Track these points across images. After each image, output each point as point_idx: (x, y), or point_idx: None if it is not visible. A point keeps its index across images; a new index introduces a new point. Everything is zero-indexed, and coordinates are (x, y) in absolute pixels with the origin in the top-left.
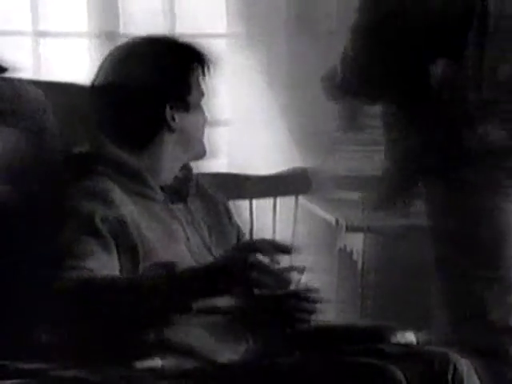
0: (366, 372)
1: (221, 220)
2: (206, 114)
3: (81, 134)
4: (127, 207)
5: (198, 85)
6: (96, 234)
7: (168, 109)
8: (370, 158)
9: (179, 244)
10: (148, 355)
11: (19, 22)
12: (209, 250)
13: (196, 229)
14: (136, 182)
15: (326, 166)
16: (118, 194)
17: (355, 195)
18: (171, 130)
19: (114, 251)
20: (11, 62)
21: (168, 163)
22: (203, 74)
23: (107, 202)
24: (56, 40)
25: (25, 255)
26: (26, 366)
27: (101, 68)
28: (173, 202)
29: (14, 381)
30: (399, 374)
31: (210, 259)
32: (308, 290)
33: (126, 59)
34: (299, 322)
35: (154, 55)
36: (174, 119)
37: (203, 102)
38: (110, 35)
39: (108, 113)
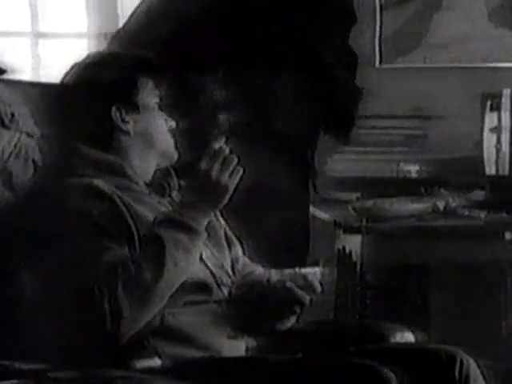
0: (358, 373)
1: None
2: (168, 117)
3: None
4: (120, 199)
5: (149, 87)
6: (100, 230)
7: (114, 109)
8: (368, 158)
9: None
10: (147, 348)
11: (18, 23)
12: None
13: None
14: (117, 176)
15: (324, 167)
16: (107, 188)
17: (354, 196)
18: (125, 131)
19: (123, 241)
20: (10, 63)
21: (137, 163)
22: (156, 79)
23: (98, 194)
24: (55, 41)
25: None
26: (26, 367)
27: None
28: (162, 196)
29: (14, 381)
30: (391, 375)
31: None
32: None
33: (81, 64)
34: (289, 313)
35: (100, 62)
36: (124, 121)
37: (162, 106)
38: (109, 36)
39: (70, 114)
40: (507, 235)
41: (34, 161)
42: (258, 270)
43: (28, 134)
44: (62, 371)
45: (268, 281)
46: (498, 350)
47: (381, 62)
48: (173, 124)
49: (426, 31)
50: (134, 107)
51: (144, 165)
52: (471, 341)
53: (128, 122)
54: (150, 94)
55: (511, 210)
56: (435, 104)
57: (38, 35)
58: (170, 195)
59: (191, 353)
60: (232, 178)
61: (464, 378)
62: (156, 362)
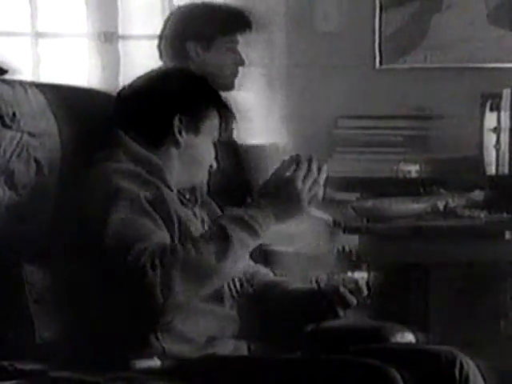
0: (363, 372)
1: None
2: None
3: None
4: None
5: (215, 122)
6: (147, 213)
7: (177, 119)
8: (368, 158)
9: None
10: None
11: (18, 23)
12: None
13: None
14: (154, 175)
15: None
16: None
17: (353, 196)
18: (177, 144)
19: (164, 227)
20: (10, 63)
21: (174, 176)
22: (220, 116)
23: (144, 181)
24: (55, 41)
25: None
26: (25, 367)
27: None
28: (186, 207)
29: (13, 381)
30: (396, 374)
31: None
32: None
33: (152, 75)
34: (332, 316)
35: (180, 78)
36: (180, 134)
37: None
38: (108, 36)
39: (130, 114)
40: (507, 235)
41: (36, 159)
42: (262, 270)
43: (30, 134)
44: (61, 371)
45: (318, 284)
46: (497, 350)
47: (381, 62)
48: (214, 164)
49: (426, 31)
50: (196, 130)
51: (181, 178)
52: (471, 341)
53: (183, 137)
54: (213, 128)
55: (511, 209)
56: (435, 104)
57: (38, 35)
58: (192, 208)
59: (195, 352)
60: (311, 191)
61: (464, 380)
62: (156, 362)
